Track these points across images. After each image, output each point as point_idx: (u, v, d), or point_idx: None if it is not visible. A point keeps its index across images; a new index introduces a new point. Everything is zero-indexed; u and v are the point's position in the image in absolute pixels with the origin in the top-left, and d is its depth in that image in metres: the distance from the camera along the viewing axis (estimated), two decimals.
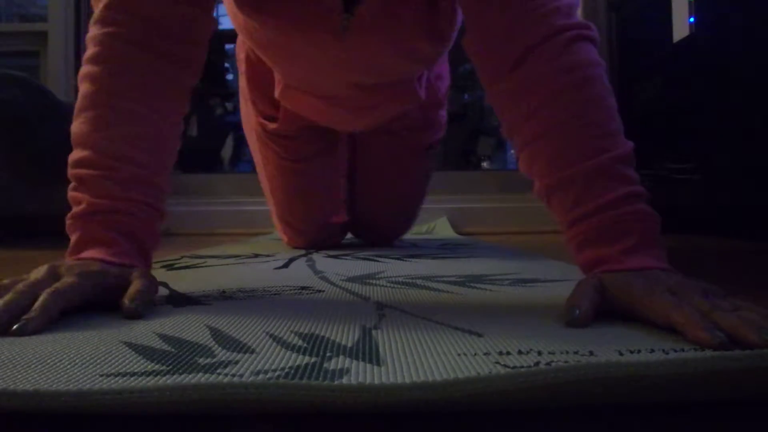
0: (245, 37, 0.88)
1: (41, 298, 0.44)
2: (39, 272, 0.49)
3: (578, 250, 0.52)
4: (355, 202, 1.26)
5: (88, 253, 0.53)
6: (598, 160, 0.51)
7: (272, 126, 1.11)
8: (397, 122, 1.13)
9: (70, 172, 0.56)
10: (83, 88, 0.58)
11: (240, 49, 1.11)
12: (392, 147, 1.19)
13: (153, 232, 0.58)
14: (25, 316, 0.42)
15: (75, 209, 0.55)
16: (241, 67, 1.11)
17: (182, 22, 0.61)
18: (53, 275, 0.48)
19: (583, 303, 0.44)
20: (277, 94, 1.00)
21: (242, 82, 1.14)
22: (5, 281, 0.47)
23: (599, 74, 0.55)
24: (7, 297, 0.43)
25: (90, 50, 0.59)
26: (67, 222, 0.55)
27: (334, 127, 1.12)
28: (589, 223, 0.50)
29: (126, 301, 0.47)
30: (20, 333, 0.40)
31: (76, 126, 0.57)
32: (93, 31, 0.59)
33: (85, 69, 0.59)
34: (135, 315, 0.47)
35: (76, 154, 0.56)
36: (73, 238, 0.54)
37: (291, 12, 0.76)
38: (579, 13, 0.69)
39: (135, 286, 0.50)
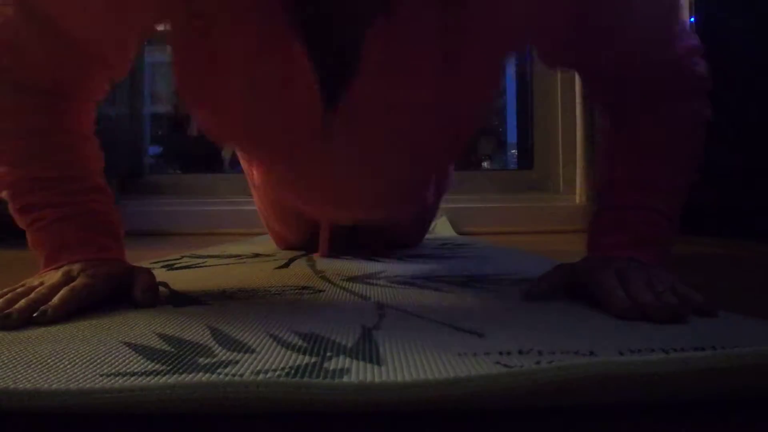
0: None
1: (60, 293, 0.48)
2: (54, 277, 0.52)
3: (589, 232, 0.60)
4: (353, 238, 1.20)
5: (76, 255, 0.55)
6: (644, 203, 0.58)
7: (257, 181, 1.03)
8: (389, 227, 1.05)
9: (12, 204, 0.57)
10: None
11: None
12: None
13: (118, 224, 0.61)
14: (43, 307, 0.46)
15: (34, 226, 0.56)
16: None
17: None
18: (68, 278, 0.51)
19: (542, 281, 0.55)
20: (256, 181, 0.92)
21: None
22: (20, 288, 0.50)
23: (703, 135, 0.63)
24: (31, 295, 0.48)
25: None
26: (31, 236, 0.57)
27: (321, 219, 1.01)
28: (604, 217, 0.59)
29: (139, 293, 0.52)
30: (40, 319, 0.44)
31: None
32: None
33: None
34: (149, 305, 0.52)
35: (7, 192, 0.57)
36: (47, 246, 0.56)
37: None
38: None
39: (143, 279, 0.55)
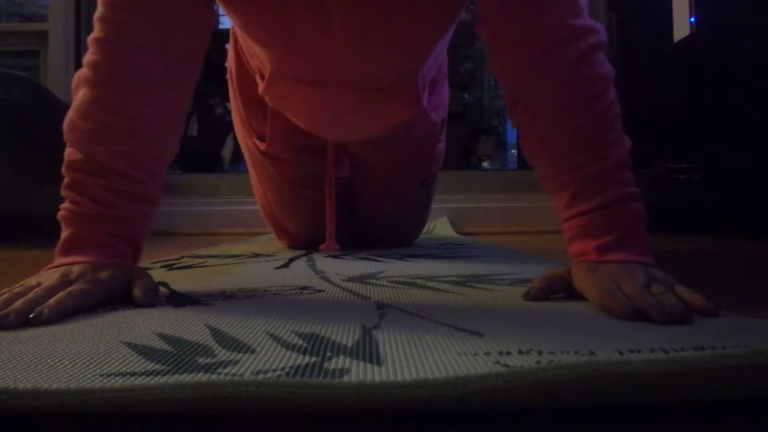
0: (238, 24, 0.80)
1: (58, 296, 0.48)
2: (51, 278, 0.51)
3: (569, 243, 0.59)
4: (354, 225, 1.21)
5: (87, 256, 0.55)
6: (592, 168, 0.57)
7: (263, 147, 1.07)
8: (393, 148, 1.07)
9: (67, 171, 0.58)
10: (81, 93, 0.58)
11: (231, 64, 1.06)
12: (388, 181, 1.14)
13: (145, 234, 0.61)
14: (39, 308, 0.46)
15: (72, 205, 0.57)
16: (233, 85, 1.07)
17: (185, 16, 0.61)
18: (66, 281, 0.51)
19: (540, 282, 0.55)
20: (261, 89, 0.92)
21: (234, 103, 1.10)
22: (18, 288, 0.50)
23: (608, 87, 0.59)
24: (29, 296, 0.47)
25: (91, 55, 0.59)
26: (62, 211, 0.57)
27: (326, 135, 1.04)
28: (578, 221, 0.58)
29: (139, 293, 0.53)
30: (35, 321, 0.44)
31: (74, 126, 0.58)
32: (95, 32, 0.59)
33: (84, 73, 0.59)
34: (149, 305, 0.52)
35: (73, 155, 0.57)
36: (67, 231, 0.56)
37: None
38: None
39: (143, 280, 0.55)
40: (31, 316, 0.45)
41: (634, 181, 0.57)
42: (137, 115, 0.59)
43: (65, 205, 0.57)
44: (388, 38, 0.78)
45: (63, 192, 0.58)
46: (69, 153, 0.58)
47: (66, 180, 0.57)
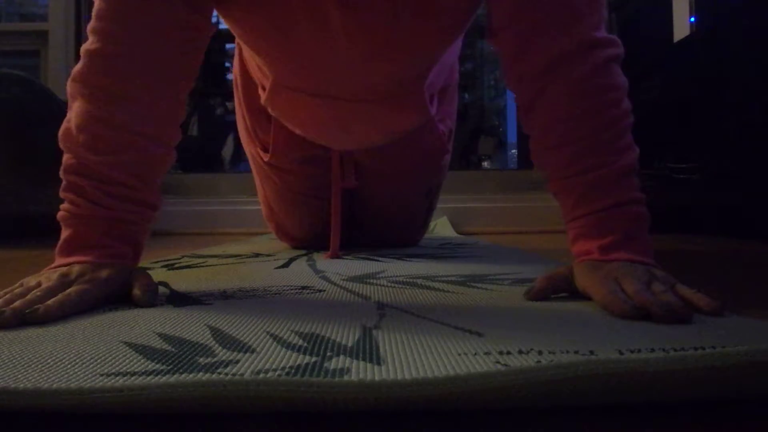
0: (237, 34, 0.79)
1: (56, 298, 0.48)
2: (51, 278, 0.52)
3: (572, 242, 0.60)
4: (356, 230, 1.20)
5: (87, 256, 0.55)
6: (599, 172, 0.58)
7: (267, 158, 1.06)
8: (399, 159, 1.05)
9: (65, 174, 0.58)
10: (76, 104, 0.58)
11: (237, 74, 1.05)
12: (393, 191, 1.13)
13: (145, 235, 0.61)
14: (37, 305, 0.46)
15: (71, 206, 0.57)
16: (238, 94, 1.07)
17: (179, 29, 0.61)
18: (65, 282, 0.51)
19: (542, 281, 0.56)
20: (264, 99, 0.92)
21: (239, 112, 1.10)
22: (18, 288, 0.50)
23: (621, 97, 0.60)
24: (28, 296, 0.48)
25: (84, 66, 0.58)
26: (62, 212, 0.57)
27: (330, 145, 1.02)
28: (582, 222, 0.59)
29: (139, 293, 0.53)
30: (30, 318, 0.45)
31: (69, 135, 0.58)
32: (88, 43, 0.59)
33: (77, 86, 0.58)
34: (149, 305, 0.52)
35: (69, 160, 0.57)
36: (67, 232, 0.56)
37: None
38: None
39: (142, 280, 0.55)
40: (27, 311, 0.45)
41: (639, 186, 0.58)
42: (131, 128, 0.58)
43: (64, 205, 0.57)
44: (393, 52, 0.77)
45: (61, 194, 0.58)
46: (66, 158, 0.58)
47: (64, 182, 0.58)
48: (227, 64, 2.85)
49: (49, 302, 0.47)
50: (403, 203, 1.16)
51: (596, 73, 0.59)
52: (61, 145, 0.58)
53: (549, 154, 0.62)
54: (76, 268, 0.53)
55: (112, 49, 0.58)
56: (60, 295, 0.48)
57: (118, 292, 0.54)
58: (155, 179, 0.62)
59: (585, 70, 0.59)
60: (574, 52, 0.60)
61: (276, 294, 0.59)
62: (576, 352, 0.34)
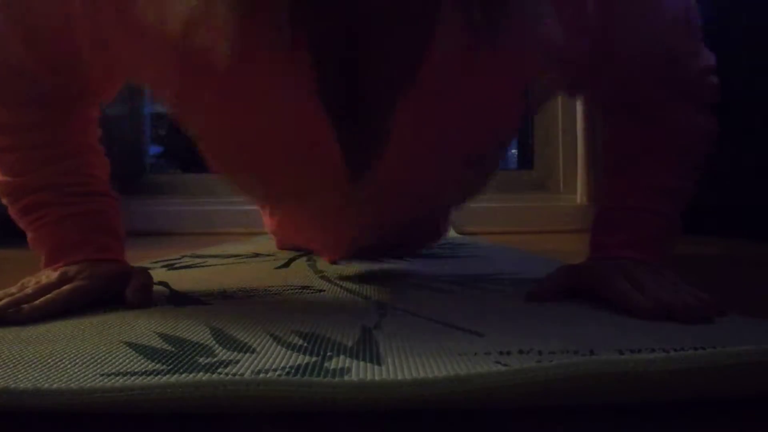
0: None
1: (47, 296, 0.48)
2: (50, 277, 0.52)
3: (592, 231, 0.60)
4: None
5: (78, 255, 0.55)
6: (646, 182, 0.58)
7: (272, 226, 1.04)
8: (403, 234, 0.95)
9: (12, 207, 0.57)
10: None
11: None
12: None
13: (119, 222, 0.60)
14: (24, 305, 0.46)
15: (38, 223, 0.56)
16: None
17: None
18: (64, 279, 0.51)
19: (547, 282, 0.55)
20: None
21: None
22: (17, 288, 0.50)
23: (705, 139, 0.61)
24: (17, 294, 0.48)
25: None
26: (31, 235, 0.57)
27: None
28: (606, 216, 0.59)
29: (130, 293, 0.52)
30: (12, 317, 0.44)
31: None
32: None
33: None
34: (139, 305, 0.51)
35: (9, 194, 0.57)
36: (47, 245, 0.56)
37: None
38: None
39: (137, 280, 0.54)
40: (9, 310, 0.45)
41: (683, 208, 0.59)
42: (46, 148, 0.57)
43: (31, 228, 0.57)
44: (412, 210, 0.71)
45: (22, 223, 0.57)
46: (5, 198, 0.57)
47: (17, 212, 0.57)
48: None
49: (37, 302, 0.47)
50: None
51: (701, 124, 0.60)
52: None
53: (606, 149, 0.63)
54: (74, 267, 0.53)
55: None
56: (52, 293, 0.48)
57: (116, 289, 0.53)
58: (100, 176, 0.60)
59: (693, 120, 0.59)
60: (676, 98, 0.59)
61: (276, 294, 0.59)
62: (576, 352, 0.34)
